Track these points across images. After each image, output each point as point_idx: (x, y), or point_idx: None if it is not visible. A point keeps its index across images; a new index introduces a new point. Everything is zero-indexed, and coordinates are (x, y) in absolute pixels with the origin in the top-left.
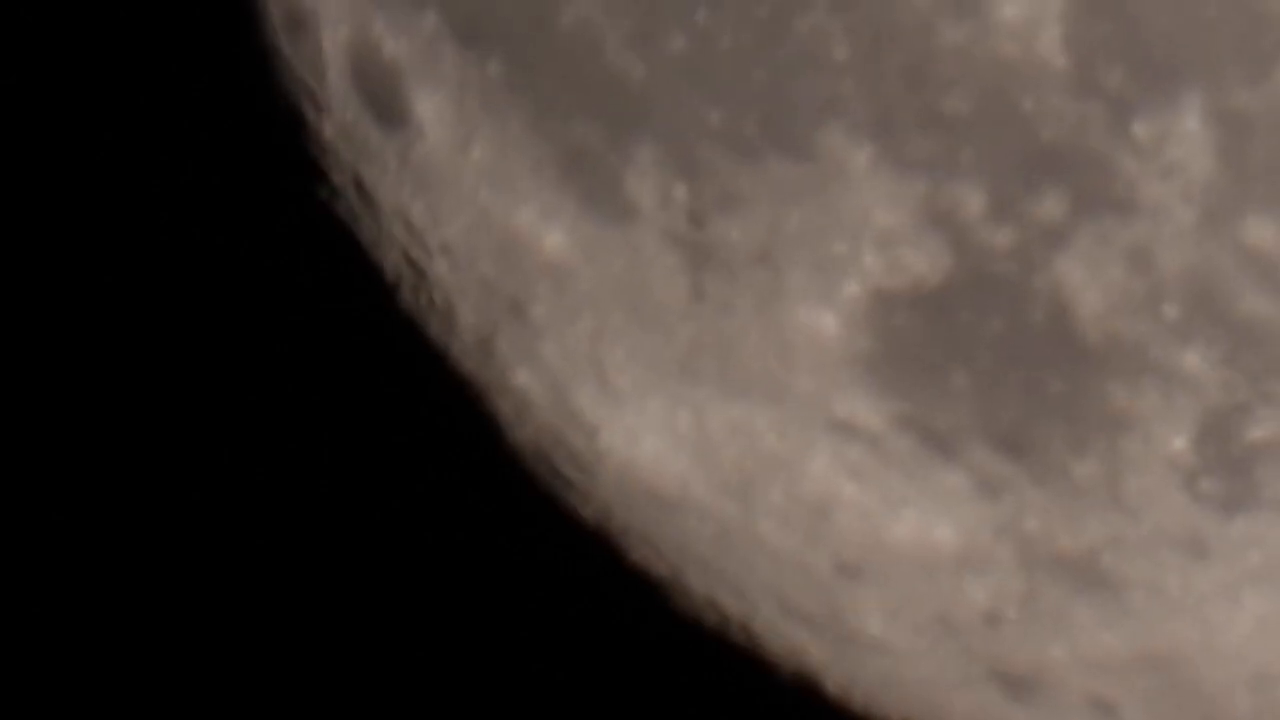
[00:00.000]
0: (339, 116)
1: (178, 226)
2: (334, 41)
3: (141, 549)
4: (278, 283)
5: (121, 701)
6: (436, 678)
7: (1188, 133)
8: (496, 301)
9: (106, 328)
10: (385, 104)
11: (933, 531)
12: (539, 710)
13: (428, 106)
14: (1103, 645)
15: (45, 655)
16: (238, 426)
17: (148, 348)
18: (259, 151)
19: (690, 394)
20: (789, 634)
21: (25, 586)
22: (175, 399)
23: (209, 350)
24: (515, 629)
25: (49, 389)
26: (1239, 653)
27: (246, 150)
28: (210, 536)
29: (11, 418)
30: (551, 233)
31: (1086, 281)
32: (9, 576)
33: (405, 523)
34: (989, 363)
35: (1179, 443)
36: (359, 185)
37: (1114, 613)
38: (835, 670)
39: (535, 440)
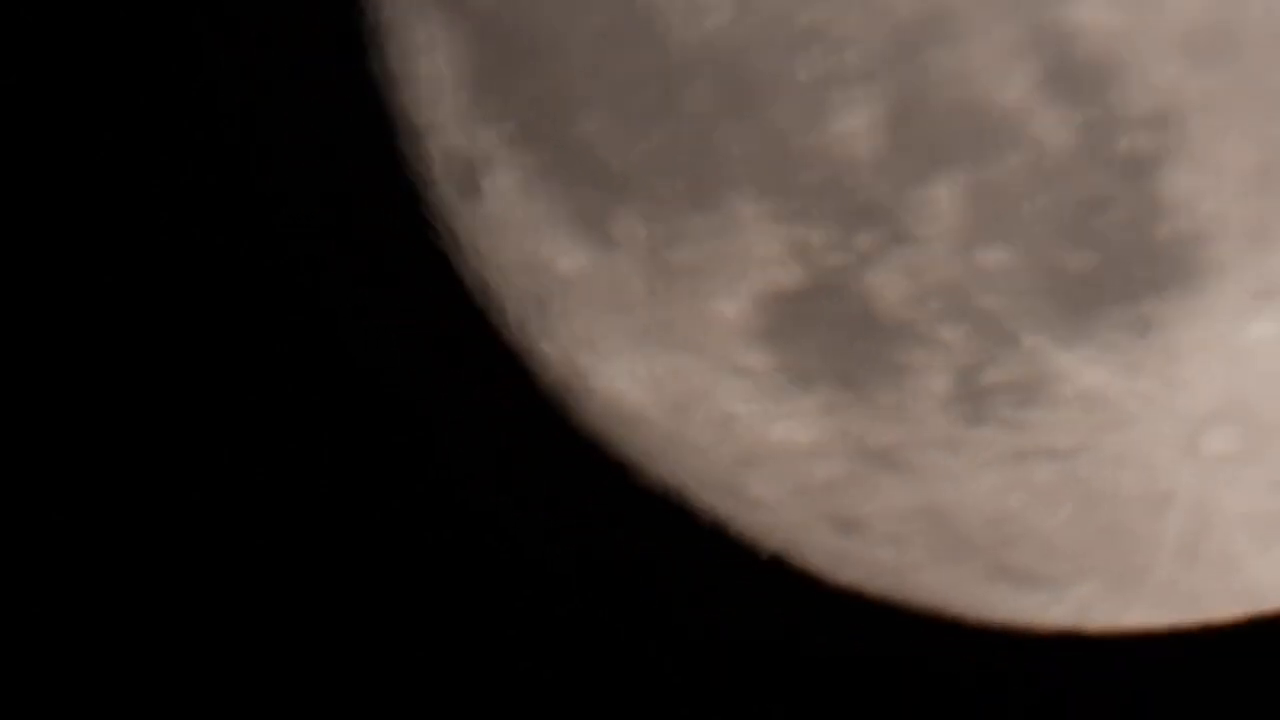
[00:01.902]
0: (439, 190)
1: (323, 270)
2: (436, 146)
3: (212, 511)
4: (394, 298)
5: (129, 700)
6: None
7: (943, 195)
8: (529, 300)
9: (240, 324)
10: (465, 182)
11: (795, 435)
12: (549, 558)
13: (490, 183)
14: (896, 503)
15: (81, 648)
16: (359, 370)
17: (281, 342)
18: (388, 215)
19: (646, 353)
20: (707, 498)
21: (68, 580)
22: (300, 376)
23: (340, 329)
24: (532, 498)
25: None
26: (979, 506)
27: (380, 214)
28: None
29: (96, 407)
30: (563, 258)
31: (885, 285)
32: (47, 572)
33: (465, 433)
34: (829, 334)
35: (941, 384)
36: (450, 232)
37: (903, 483)
38: (735, 521)
39: (554, 384)
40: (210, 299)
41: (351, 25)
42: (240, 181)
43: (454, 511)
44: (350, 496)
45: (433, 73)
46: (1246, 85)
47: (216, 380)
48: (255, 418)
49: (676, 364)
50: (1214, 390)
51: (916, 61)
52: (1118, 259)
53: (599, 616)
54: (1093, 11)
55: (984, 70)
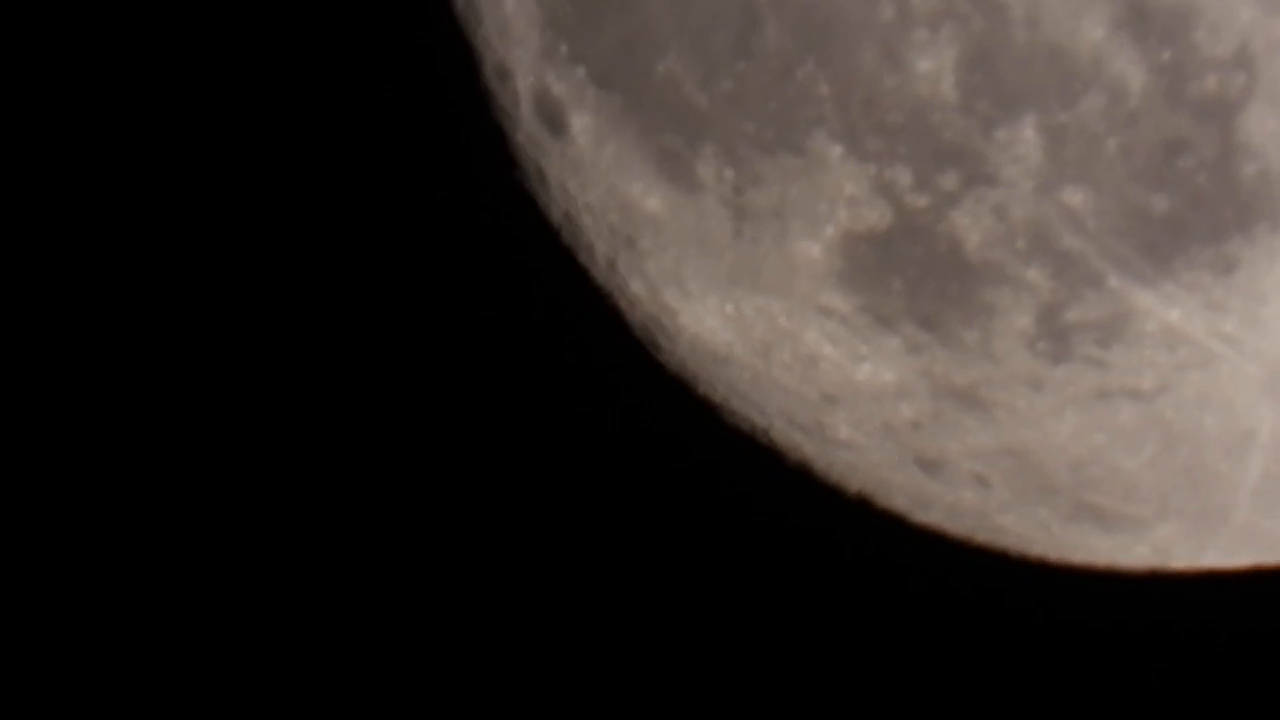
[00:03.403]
0: (526, 129)
1: (412, 205)
2: (524, 85)
3: (325, 476)
4: (483, 233)
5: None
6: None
7: (1026, 137)
8: (618, 239)
9: (330, 265)
10: (553, 122)
11: (880, 374)
12: (636, 497)
13: (578, 123)
14: (980, 442)
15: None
16: (458, 326)
17: (369, 282)
18: (476, 152)
19: (733, 293)
20: (792, 438)
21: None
22: (407, 333)
23: (431, 289)
24: (620, 436)
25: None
26: (1062, 447)
27: (468, 151)
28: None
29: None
30: (650, 198)
31: (970, 226)
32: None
33: (553, 371)
34: (913, 275)
35: (1024, 321)
36: (538, 170)
37: (986, 422)
38: (820, 461)
39: (642, 322)
40: (301, 242)
41: None
42: (328, 121)
43: (543, 450)
44: (441, 432)
45: (518, 12)
46: None
47: (314, 315)
48: (346, 355)
49: (762, 304)
50: None
51: (992, 3)
52: (1199, 199)
53: (686, 553)
54: None
55: (1062, 12)
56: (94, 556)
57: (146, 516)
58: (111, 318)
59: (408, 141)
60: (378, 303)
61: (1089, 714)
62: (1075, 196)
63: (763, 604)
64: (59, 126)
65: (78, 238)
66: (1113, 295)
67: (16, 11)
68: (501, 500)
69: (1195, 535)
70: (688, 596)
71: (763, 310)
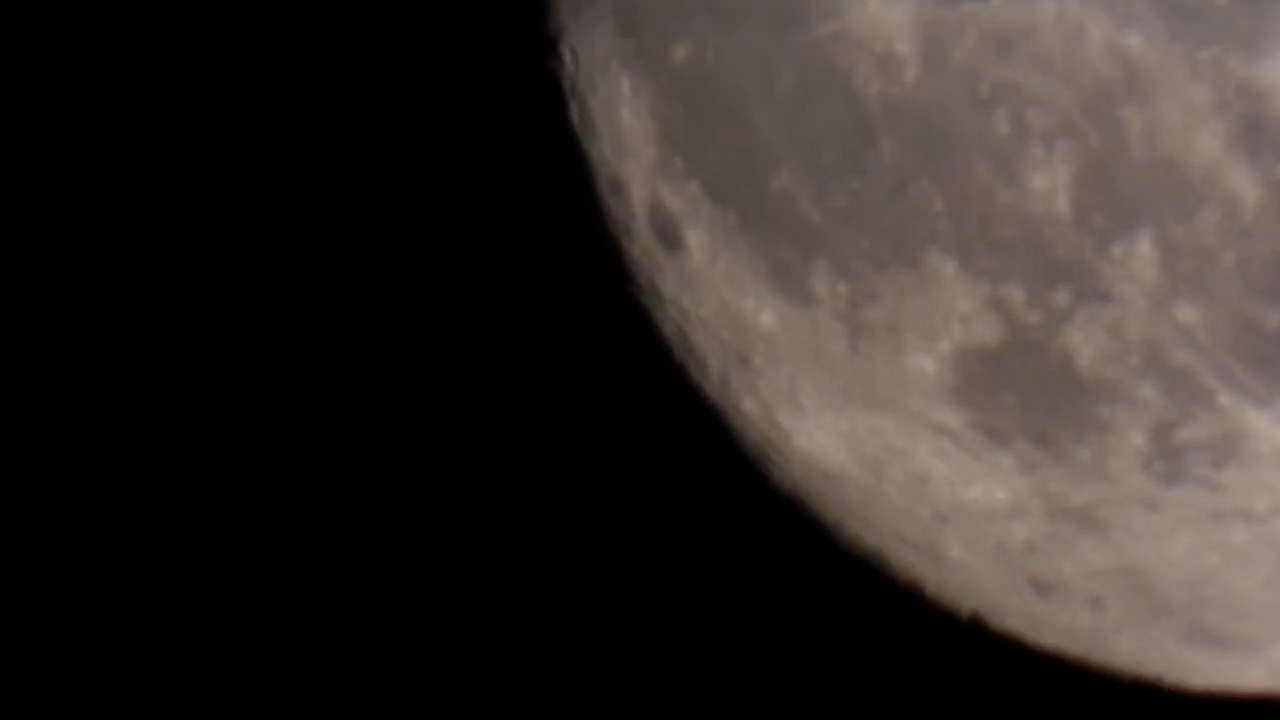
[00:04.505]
0: (641, 243)
1: (526, 316)
2: (638, 199)
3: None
4: (596, 349)
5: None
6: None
7: (1141, 253)
8: (730, 355)
9: (445, 368)
10: (668, 236)
11: (993, 493)
12: (748, 617)
13: (692, 237)
14: (1095, 563)
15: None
16: (556, 439)
17: (485, 392)
18: (590, 265)
19: (846, 410)
20: (905, 558)
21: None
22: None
23: (543, 376)
24: (731, 556)
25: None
26: (1176, 567)
27: (582, 264)
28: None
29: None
30: (764, 313)
31: (1083, 343)
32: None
33: (665, 488)
34: (1026, 391)
35: (1139, 440)
36: (652, 285)
37: (1102, 543)
38: (932, 581)
39: (755, 440)
40: (416, 343)
41: (552, 77)
42: (447, 230)
43: (653, 566)
44: (549, 546)
45: (632, 126)
46: None
47: (431, 429)
48: (465, 465)
49: (875, 421)
50: None
51: (1109, 119)
52: None
53: (797, 676)
54: None
55: (1178, 127)
56: (93, 556)
57: (146, 516)
58: (112, 317)
59: (521, 253)
60: (492, 411)
61: None
62: (1189, 312)
63: None
64: (59, 126)
65: (77, 237)
66: (1224, 414)
67: (16, 11)
68: (616, 614)
69: None
70: (804, 719)
71: (875, 427)
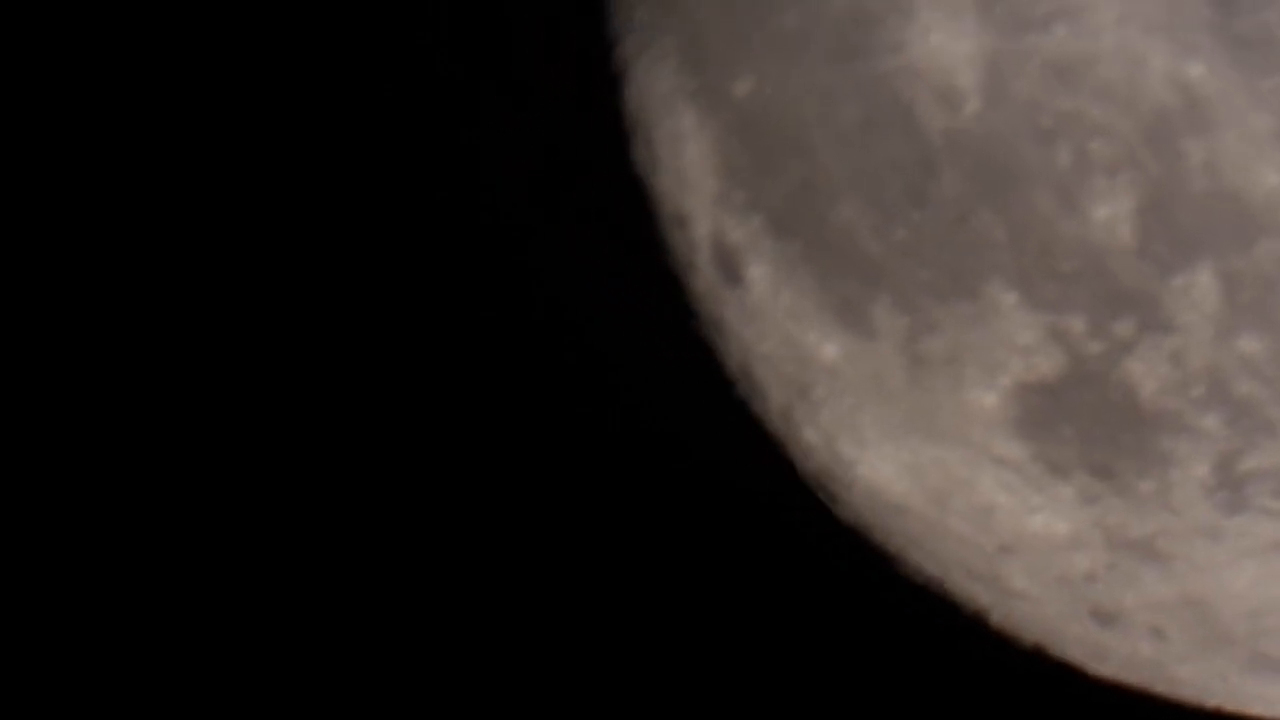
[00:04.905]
0: (704, 277)
1: (588, 352)
2: (700, 233)
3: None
4: (662, 377)
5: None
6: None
7: (1203, 283)
8: (792, 388)
9: (504, 405)
10: (730, 270)
11: (1054, 525)
12: (812, 648)
13: (754, 271)
14: (1157, 594)
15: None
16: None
17: (545, 426)
18: (655, 298)
19: (909, 441)
20: (968, 588)
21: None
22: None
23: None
24: (794, 587)
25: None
26: (1240, 596)
27: (647, 298)
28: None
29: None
30: (826, 346)
31: (1145, 374)
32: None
33: (728, 522)
34: (1087, 423)
35: (1202, 471)
36: (715, 319)
37: (1164, 574)
38: (995, 611)
39: (817, 472)
40: (475, 379)
41: (614, 111)
42: (506, 267)
43: (717, 599)
44: (610, 576)
45: (696, 159)
46: None
47: (479, 456)
48: (519, 494)
49: (937, 453)
50: None
51: (1171, 150)
52: None
53: (862, 708)
54: None
55: (1239, 158)
56: (93, 556)
57: (146, 516)
58: (111, 317)
59: (583, 286)
60: (550, 443)
61: None
62: (1251, 342)
63: None
64: (58, 126)
65: (77, 237)
66: None
67: (15, 11)
68: (678, 646)
69: None
70: None
71: (938, 459)
